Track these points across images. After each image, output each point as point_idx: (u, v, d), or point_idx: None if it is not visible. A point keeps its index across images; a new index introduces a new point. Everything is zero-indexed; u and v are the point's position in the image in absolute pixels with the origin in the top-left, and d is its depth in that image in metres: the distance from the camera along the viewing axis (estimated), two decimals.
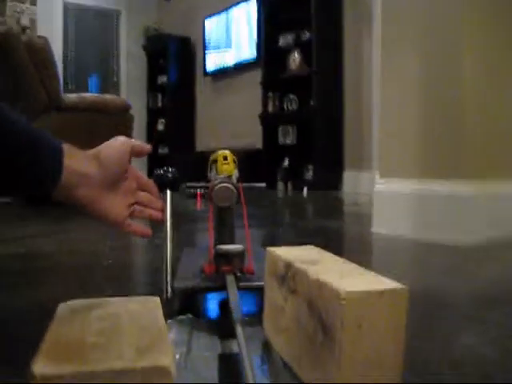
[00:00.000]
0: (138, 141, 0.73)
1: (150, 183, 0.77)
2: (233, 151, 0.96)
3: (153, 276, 1.10)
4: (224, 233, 0.90)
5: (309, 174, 5.07)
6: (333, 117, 4.93)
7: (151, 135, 7.50)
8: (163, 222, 0.78)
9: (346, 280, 0.51)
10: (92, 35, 7.25)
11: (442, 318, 0.83)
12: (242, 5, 5.93)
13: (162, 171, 0.83)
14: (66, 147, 0.62)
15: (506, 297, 0.97)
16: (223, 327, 0.71)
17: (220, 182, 0.86)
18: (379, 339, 0.49)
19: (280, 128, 5.40)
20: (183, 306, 0.79)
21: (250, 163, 5.52)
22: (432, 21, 1.72)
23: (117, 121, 3.26)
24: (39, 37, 2.84)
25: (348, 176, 4.93)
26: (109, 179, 0.67)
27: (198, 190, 3.43)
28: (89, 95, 3.14)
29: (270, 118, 5.47)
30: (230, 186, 0.86)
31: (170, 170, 0.84)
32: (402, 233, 1.74)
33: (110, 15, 7.41)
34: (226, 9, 6.22)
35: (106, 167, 0.66)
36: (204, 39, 6.69)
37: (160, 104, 7.43)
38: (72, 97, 3.03)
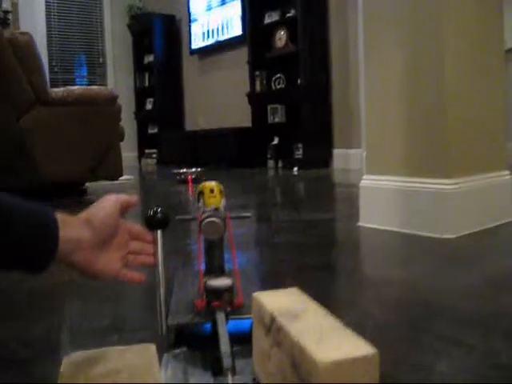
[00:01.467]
0: (125, 196, 0.77)
1: (141, 231, 0.81)
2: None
3: (149, 296, 1.15)
4: (213, 264, 0.95)
5: (299, 153, 5.10)
6: (321, 95, 4.94)
7: (140, 115, 7.48)
8: (156, 265, 0.82)
9: (324, 344, 0.56)
10: (76, 16, 7.15)
11: (415, 338, 0.89)
12: None
13: (151, 212, 0.86)
14: (60, 217, 0.66)
15: (482, 313, 1.03)
16: (216, 362, 0.76)
17: (208, 217, 0.91)
18: None
19: (269, 107, 5.41)
20: (177, 340, 0.85)
21: (240, 142, 5.55)
22: (417, 24, 1.74)
23: (105, 112, 3.26)
24: (22, 33, 2.83)
25: (337, 153, 4.98)
26: (101, 240, 0.71)
27: (190, 174, 3.42)
28: (76, 88, 3.14)
29: (258, 97, 5.47)
30: (217, 220, 0.90)
31: (160, 209, 0.87)
32: (387, 227, 1.81)
33: None
34: None
35: (98, 230, 0.70)
36: (189, 16, 6.62)
37: (147, 83, 7.39)
38: (59, 91, 3.03)
